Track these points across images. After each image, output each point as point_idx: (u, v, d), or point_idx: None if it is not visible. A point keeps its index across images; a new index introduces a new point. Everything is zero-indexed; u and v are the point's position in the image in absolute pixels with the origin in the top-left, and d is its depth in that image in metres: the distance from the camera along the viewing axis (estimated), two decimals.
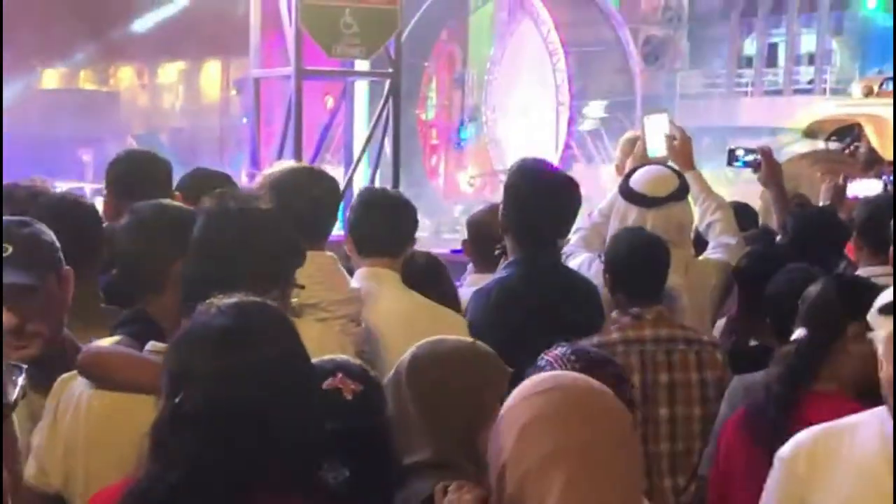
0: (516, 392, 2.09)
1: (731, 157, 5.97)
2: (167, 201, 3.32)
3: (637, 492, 2.04)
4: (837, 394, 3.42)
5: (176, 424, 2.17)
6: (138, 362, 2.74)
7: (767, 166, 5.77)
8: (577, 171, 22.50)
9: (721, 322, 4.93)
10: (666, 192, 4.70)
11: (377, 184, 11.35)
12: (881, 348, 2.71)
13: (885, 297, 2.71)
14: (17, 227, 2.88)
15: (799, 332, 3.49)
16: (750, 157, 5.85)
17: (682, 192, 4.74)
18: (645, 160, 5.08)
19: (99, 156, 26.14)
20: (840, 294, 3.48)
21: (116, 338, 2.87)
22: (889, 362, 2.65)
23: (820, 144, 18.85)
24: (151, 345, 2.77)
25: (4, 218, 2.94)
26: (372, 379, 2.63)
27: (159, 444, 2.18)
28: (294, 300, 3.05)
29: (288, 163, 4.97)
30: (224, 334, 2.22)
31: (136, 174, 4.37)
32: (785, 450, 2.85)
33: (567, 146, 31.37)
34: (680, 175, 4.83)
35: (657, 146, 5.14)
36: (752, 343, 4.56)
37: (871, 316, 2.73)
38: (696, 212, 4.95)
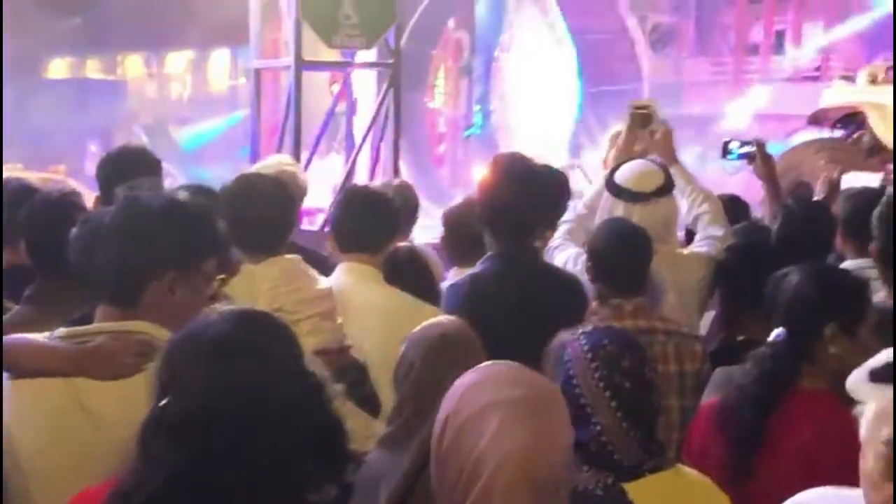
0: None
1: (726, 150, 5.96)
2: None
3: (562, 449, 2.21)
4: (825, 392, 3.34)
5: (158, 429, 2.14)
6: (40, 348, 2.75)
7: (761, 159, 5.76)
8: (587, 158, 22.49)
9: (709, 315, 4.94)
10: (651, 188, 4.70)
11: (379, 174, 11.39)
12: (864, 429, 1.97)
13: (878, 359, 1.98)
14: None
15: (777, 332, 3.44)
16: (744, 150, 5.84)
17: (667, 188, 4.75)
18: (627, 151, 5.08)
19: (106, 146, 26.12)
20: (816, 291, 3.40)
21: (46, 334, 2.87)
22: (873, 452, 1.94)
23: (825, 132, 18.82)
24: (58, 331, 2.78)
25: None
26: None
27: (144, 446, 2.16)
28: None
29: (279, 158, 4.97)
30: (219, 342, 2.17)
31: (125, 172, 4.37)
32: None
33: (574, 133, 31.34)
34: (665, 170, 4.83)
35: (642, 135, 5.14)
36: (740, 338, 4.56)
37: (856, 382, 1.99)
38: (683, 205, 4.95)
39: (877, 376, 1.92)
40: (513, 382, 2.25)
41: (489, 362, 2.35)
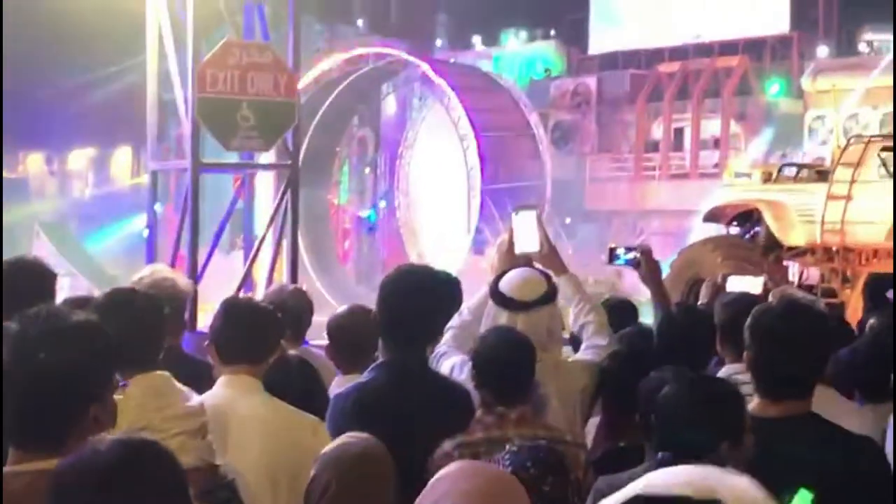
0: None
1: (612, 256, 6.01)
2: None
3: None
4: None
5: None
6: None
7: (646, 265, 5.82)
8: (490, 256, 22.65)
9: (594, 421, 4.99)
10: (534, 297, 4.75)
11: (282, 273, 11.40)
12: None
13: (625, 493, 1.71)
14: None
15: (662, 456, 3.40)
16: (630, 256, 5.89)
17: (550, 296, 4.79)
18: (512, 257, 5.14)
19: (8, 245, 25.79)
20: (707, 417, 3.37)
21: None
22: None
23: (721, 229, 19.16)
24: None
25: None
26: None
27: None
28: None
29: (155, 267, 4.95)
30: (105, 473, 2.18)
31: (17, 292, 4.25)
32: None
33: (478, 230, 31.56)
34: (548, 278, 4.89)
35: (526, 242, 5.19)
36: (622, 444, 4.61)
37: None
38: (570, 313, 5.02)
39: None
40: (472, 475, 2.38)
41: (461, 461, 2.51)
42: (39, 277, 4.54)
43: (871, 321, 6.08)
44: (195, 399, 3.77)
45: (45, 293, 4.42)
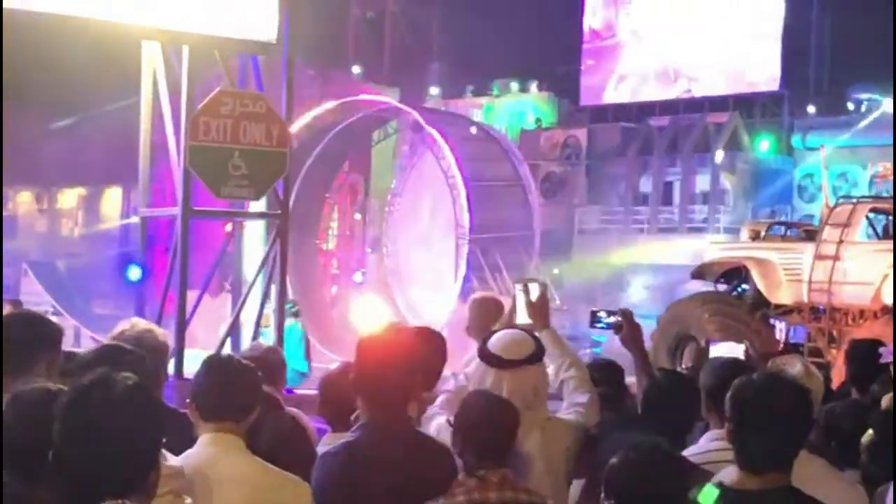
0: None
1: (594, 319, 6.03)
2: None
3: None
4: None
5: None
6: None
7: (628, 328, 5.82)
8: (466, 315, 22.61)
9: (579, 483, 5.00)
10: (521, 356, 4.78)
11: (270, 320, 11.40)
12: None
13: None
14: None
15: None
16: (611, 319, 5.91)
17: (537, 356, 4.83)
18: (511, 323, 5.19)
19: None
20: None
21: None
22: None
23: (709, 286, 19.18)
24: None
25: None
26: None
27: None
28: None
29: (132, 321, 4.93)
30: None
31: (17, 340, 4.18)
32: None
33: (466, 279, 31.54)
34: (536, 339, 4.92)
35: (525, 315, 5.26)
36: None
37: None
38: (550, 369, 5.04)
39: None
40: None
41: None
42: (46, 334, 4.42)
43: (874, 387, 6.11)
44: (174, 460, 3.79)
45: (49, 345, 4.35)
